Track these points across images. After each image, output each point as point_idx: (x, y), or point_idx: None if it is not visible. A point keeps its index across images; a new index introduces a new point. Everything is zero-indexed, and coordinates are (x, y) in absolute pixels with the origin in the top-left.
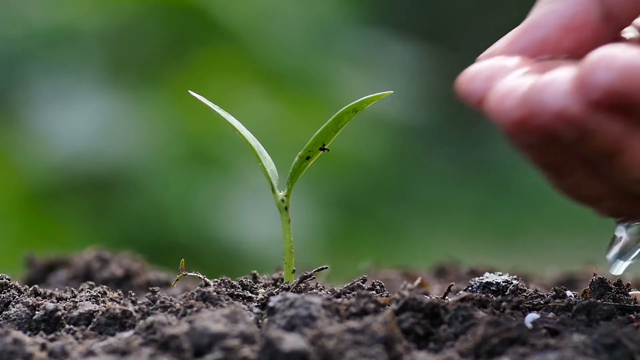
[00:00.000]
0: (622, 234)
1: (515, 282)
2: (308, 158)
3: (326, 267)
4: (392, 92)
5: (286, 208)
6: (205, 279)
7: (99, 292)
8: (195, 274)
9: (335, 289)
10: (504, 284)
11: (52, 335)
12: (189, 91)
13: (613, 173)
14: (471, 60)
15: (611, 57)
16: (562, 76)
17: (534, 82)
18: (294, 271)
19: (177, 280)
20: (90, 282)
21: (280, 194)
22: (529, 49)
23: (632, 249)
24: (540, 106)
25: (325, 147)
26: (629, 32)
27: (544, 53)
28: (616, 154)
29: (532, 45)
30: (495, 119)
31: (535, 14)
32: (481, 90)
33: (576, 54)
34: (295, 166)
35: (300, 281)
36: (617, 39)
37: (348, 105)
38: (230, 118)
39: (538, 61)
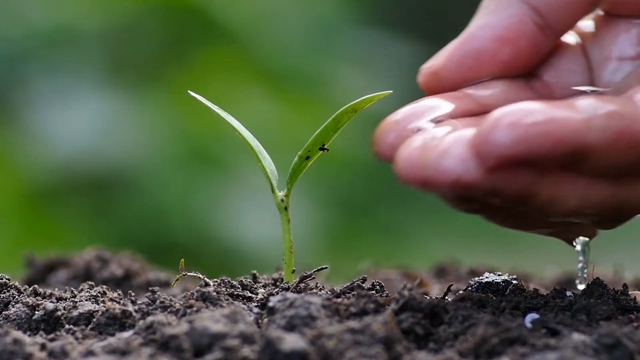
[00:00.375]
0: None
1: (515, 282)
2: (308, 158)
3: (326, 267)
4: (391, 92)
5: (286, 208)
6: (205, 279)
7: (99, 292)
8: (195, 274)
9: (335, 289)
10: (503, 284)
11: (52, 335)
12: (189, 91)
13: (533, 213)
14: None
15: (503, 120)
16: (460, 141)
17: (436, 144)
18: (293, 271)
19: (177, 280)
20: (90, 282)
21: (280, 194)
22: (465, 62)
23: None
24: (438, 174)
25: (325, 147)
26: (567, 37)
27: (481, 66)
28: (529, 199)
29: (469, 58)
30: (401, 180)
31: (472, 26)
32: (392, 147)
33: (514, 65)
34: (294, 166)
35: (300, 281)
36: (554, 51)
37: (347, 105)
38: (230, 118)
39: (463, 96)
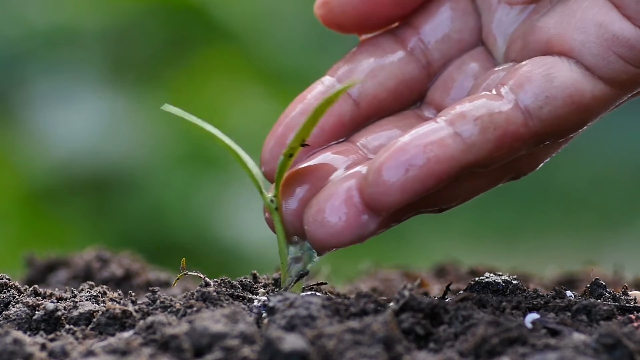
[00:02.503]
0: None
1: (515, 282)
2: (291, 155)
3: (325, 283)
4: (361, 79)
5: (277, 208)
6: (206, 278)
7: (99, 292)
8: (196, 274)
9: (336, 288)
10: (504, 284)
11: (52, 335)
12: (165, 106)
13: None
14: None
15: (382, 173)
16: (340, 193)
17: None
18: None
19: (178, 279)
20: (90, 282)
21: (269, 195)
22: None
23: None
24: (324, 229)
25: (305, 142)
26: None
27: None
28: (425, 207)
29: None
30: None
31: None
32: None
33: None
34: (280, 165)
35: (297, 280)
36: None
37: (323, 100)
38: (207, 126)
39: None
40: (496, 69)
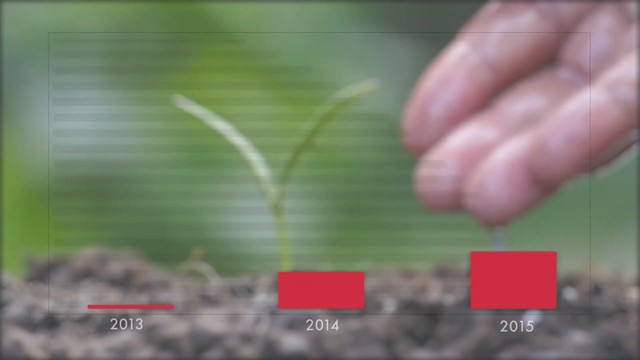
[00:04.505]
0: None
1: None
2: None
3: None
4: (375, 85)
5: (280, 209)
6: (207, 277)
7: (99, 292)
8: (200, 271)
9: None
10: None
11: (51, 336)
12: (175, 99)
13: None
14: None
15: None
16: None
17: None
18: None
19: (186, 271)
20: (91, 282)
21: (274, 196)
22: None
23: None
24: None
25: (313, 144)
26: None
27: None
28: None
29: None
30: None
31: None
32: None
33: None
34: (287, 166)
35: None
36: None
37: (334, 104)
38: (219, 125)
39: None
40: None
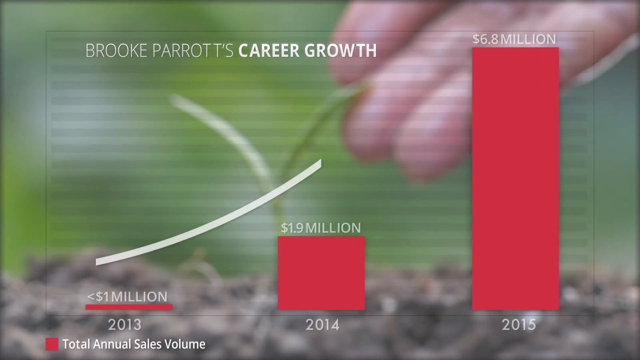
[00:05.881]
0: None
1: None
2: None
3: None
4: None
5: (279, 210)
6: (207, 277)
7: (99, 292)
8: (202, 270)
9: None
10: None
11: (51, 335)
12: (175, 98)
13: None
14: None
15: None
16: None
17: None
18: None
19: (189, 269)
20: (90, 282)
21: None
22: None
23: None
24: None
25: (312, 144)
26: None
27: None
28: None
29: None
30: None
31: None
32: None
33: None
34: (286, 166)
35: None
36: None
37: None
38: (218, 125)
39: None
40: None
